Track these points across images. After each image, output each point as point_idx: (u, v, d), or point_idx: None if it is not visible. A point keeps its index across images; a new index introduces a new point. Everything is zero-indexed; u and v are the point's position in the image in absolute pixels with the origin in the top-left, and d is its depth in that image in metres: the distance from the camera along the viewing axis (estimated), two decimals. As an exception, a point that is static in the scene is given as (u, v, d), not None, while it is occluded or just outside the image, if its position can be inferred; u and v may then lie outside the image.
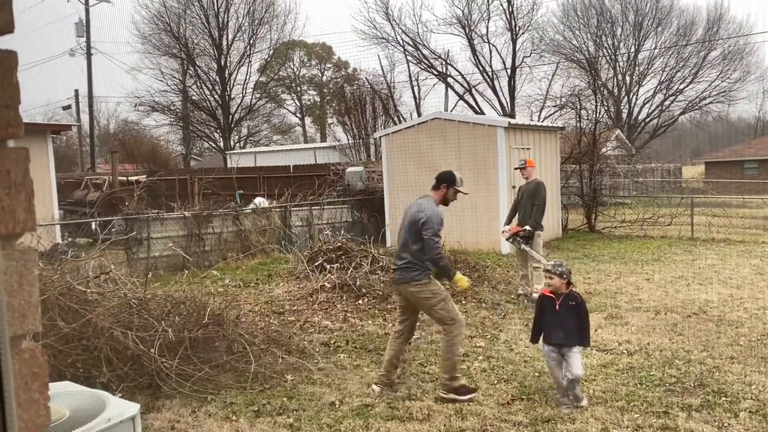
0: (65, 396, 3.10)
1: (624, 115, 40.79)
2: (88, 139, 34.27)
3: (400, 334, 5.20)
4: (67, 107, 37.28)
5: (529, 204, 8.20)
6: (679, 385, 5.06)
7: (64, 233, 12.38)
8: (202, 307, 5.86)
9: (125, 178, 20.51)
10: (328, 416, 4.63)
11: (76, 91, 35.68)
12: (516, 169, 8.92)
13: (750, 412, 4.49)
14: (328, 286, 8.37)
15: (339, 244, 9.61)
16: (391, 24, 34.48)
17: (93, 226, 12.08)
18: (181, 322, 5.57)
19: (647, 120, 41.94)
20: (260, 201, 14.22)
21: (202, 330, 5.57)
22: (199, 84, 38.97)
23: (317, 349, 6.25)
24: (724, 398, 4.74)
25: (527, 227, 8.05)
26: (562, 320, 4.64)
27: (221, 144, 39.52)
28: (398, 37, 34.37)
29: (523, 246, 8.01)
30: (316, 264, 9.27)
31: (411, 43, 34.22)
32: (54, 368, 4.83)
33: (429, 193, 5.26)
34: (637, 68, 41.28)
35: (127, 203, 15.29)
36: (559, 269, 4.73)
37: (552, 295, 4.75)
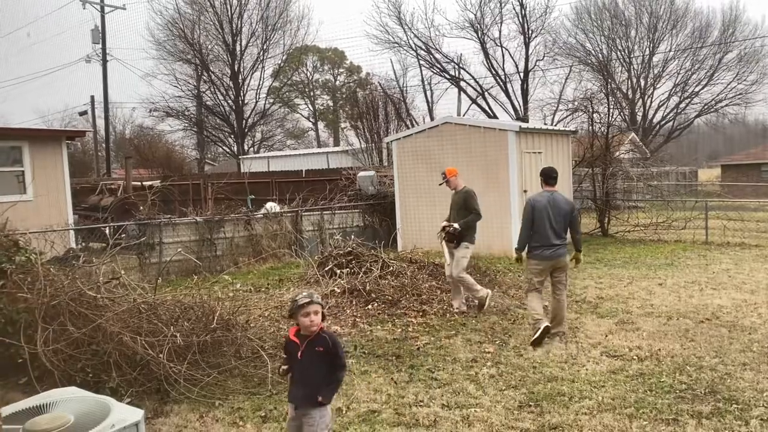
0: (70, 401, 3.12)
1: (638, 118, 40.49)
2: (103, 145, 34.62)
3: (542, 291, 6.79)
4: (83, 113, 37.75)
5: (463, 213, 7.88)
6: (689, 392, 5.00)
7: (77, 238, 12.50)
8: (212, 311, 5.88)
9: (139, 184, 20.68)
10: (334, 422, 4.63)
11: (92, 97, 36.10)
12: (441, 184, 8.64)
13: (761, 420, 4.43)
14: (338, 291, 8.38)
15: (349, 249, 9.62)
16: (404, 28, 34.59)
17: (106, 231, 12.20)
18: (190, 327, 5.59)
19: (662, 123, 41.62)
20: (271, 206, 14.28)
21: (211, 335, 5.60)
22: (213, 89, 39.31)
23: (326, 355, 6.24)
24: (735, 405, 4.68)
25: (456, 225, 7.83)
26: (305, 373, 3.54)
27: (235, 149, 39.78)
28: (411, 42, 34.48)
29: (445, 243, 8.04)
30: (327, 269, 9.29)
31: (423, 47, 34.29)
32: (64, 373, 4.88)
33: (551, 189, 6.74)
34: (651, 71, 40.99)
35: (140, 208, 15.43)
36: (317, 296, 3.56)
37: (296, 338, 3.58)
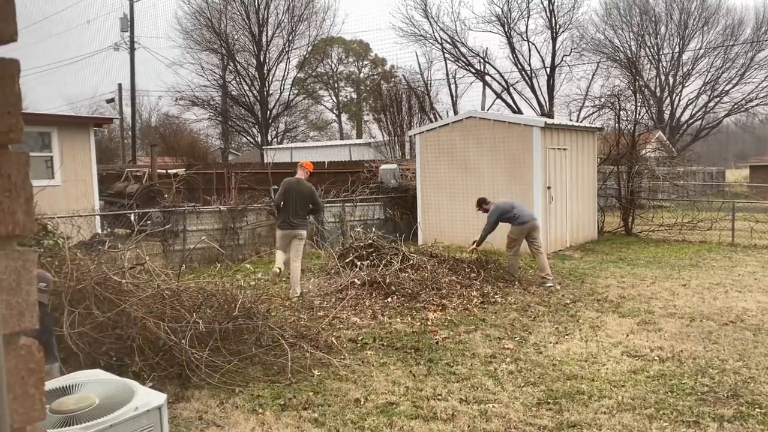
0: (96, 384, 3.18)
1: (666, 116, 39.87)
2: (129, 132, 35.04)
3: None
4: (110, 100, 38.16)
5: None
6: (711, 394, 4.95)
7: (103, 224, 12.69)
8: (233, 300, 5.95)
9: (164, 171, 20.89)
10: (352, 412, 4.66)
11: (120, 84, 36.48)
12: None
13: (785, 425, 4.36)
14: (358, 282, 8.40)
15: (370, 241, 9.64)
16: (430, 21, 34.47)
17: (132, 218, 12.37)
18: (212, 315, 5.66)
19: (690, 122, 40.93)
20: (294, 196, 14.31)
21: (233, 322, 5.66)
22: (238, 79, 39.53)
23: (345, 345, 6.29)
24: (758, 410, 4.61)
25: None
26: None
27: (259, 139, 40.00)
28: (436, 35, 34.34)
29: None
30: (347, 260, 9.33)
31: (449, 40, 34.14)
32: (88, 356, 4.97)
33: (493, 204, 9.81)
34: (680, 68, 40.28)
35: (165, 196, 15.60)
36: None
37: None
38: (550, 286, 9.04)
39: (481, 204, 9.93)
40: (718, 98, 39.80)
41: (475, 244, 9.91)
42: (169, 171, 21.08)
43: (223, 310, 5.80)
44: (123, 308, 5.26)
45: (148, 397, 3.03)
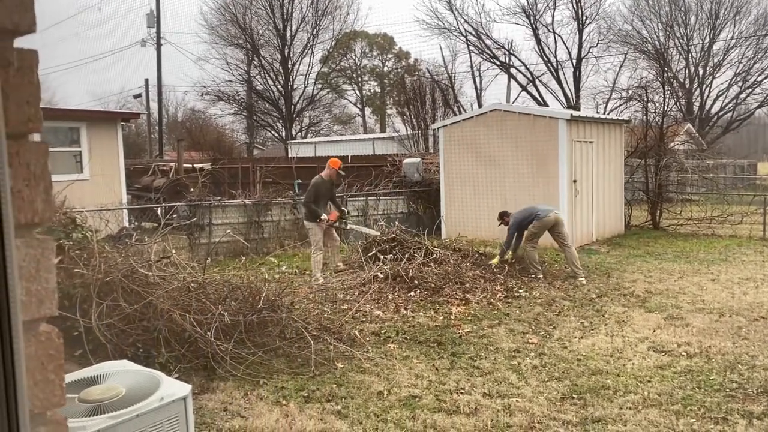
0: (123, 374, 3.23)
1: (695, 108, 39.08)
2: (156, 127, 35.48)
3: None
4: (137, 96, 38.74)
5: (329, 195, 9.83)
6: (740, 390, 4.86)
7: (130, 217, 12.88)
8: (258, 292, 6.00)
9: (191, 166, 21.12)
10: (375, 405, 4.68)
11: (146, 80, 36.96)
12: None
13: (817, 423, 4.26)
14: (381, 276, 8.41)
15: (393, 235, 9.64)
16: (454, 14, 34.27)
17: (158, 212, 12.53)
18: (237, 307, 5.72)
19: (720, 113, 40.06)
20: (318, 190, 14.36)
21: (257, 315, 5.71)
22: (263, 74, 39.74)
23: (368, 339, 6.30)
24: (789, 407, 4.52)
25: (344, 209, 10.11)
26: None
27: (283, 134, 40.21)
28: (460, 27, 34.08)
29: (350, 225, 10.28)
30: (370, 254, 9.34)
31: (473, 32, 33.85)
32: (116, 347, 5.06)
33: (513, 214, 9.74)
34: (711, 59, 39.41)
35: (191, 190, 15.78)
36: None
37: None
38: (581, 280, 9.03)
39: (503, 217, 9.93)
40: (750, 89, 38.82)
41: (499, 258, 9.63)
42: (195, 165, 21.31)
43: (248, 303, 5.85)
44: (150, 300, 5.34)
45: (173, 388, 3.07)
